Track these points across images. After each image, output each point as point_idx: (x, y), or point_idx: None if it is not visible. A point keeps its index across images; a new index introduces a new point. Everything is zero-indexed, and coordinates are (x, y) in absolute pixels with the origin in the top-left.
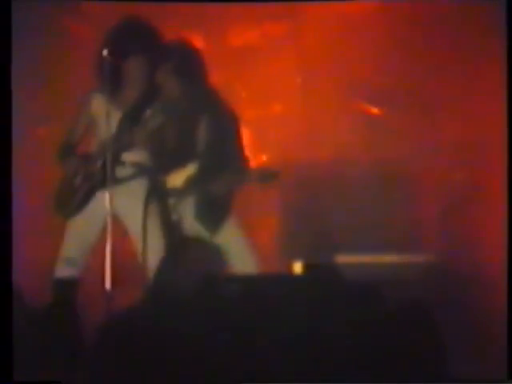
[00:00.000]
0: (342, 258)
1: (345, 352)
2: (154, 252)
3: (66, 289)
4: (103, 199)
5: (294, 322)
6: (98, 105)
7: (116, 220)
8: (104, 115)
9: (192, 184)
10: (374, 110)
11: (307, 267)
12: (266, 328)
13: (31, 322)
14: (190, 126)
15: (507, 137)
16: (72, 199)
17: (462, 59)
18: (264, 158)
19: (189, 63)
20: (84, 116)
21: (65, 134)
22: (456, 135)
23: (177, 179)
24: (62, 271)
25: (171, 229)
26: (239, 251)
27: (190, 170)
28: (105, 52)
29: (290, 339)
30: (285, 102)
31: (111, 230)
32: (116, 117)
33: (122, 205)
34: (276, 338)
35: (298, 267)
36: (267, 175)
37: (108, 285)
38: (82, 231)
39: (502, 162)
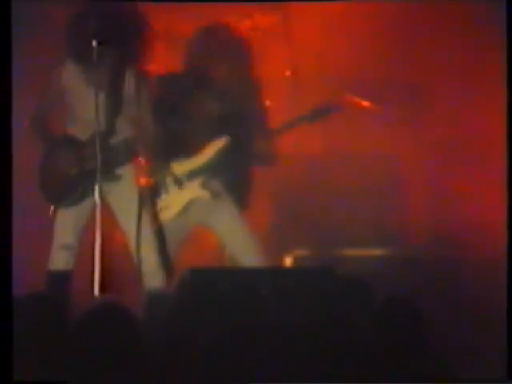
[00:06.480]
0: (332, 251)
1: (335, 345)
2: (145, 245)
3: (61, 278)
4: (92, 185)
5: (284, 314)
6: (70, 78)
7: (106, 209)
8: (80, 94)
9: (221, 161)
10: (364, 104)
11: (297, 260)
12: (256, 321)
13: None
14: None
15: (506, 135)
16: (62, 186)
17: (458, 56)
18: None
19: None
20: (54, 88)
21: (34, 107)
22: (449, 131)
23: (202, 157)
24: (58, 258)
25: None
26: (243, 244)
27: (219, 143)
28: (94, 43)
29: (281, 331)
30: (274, 95)
31: (100, 220)
32: (93, 96)
33: (112, 193)
34: (266, 330)
35: (288, 260)
36: (322, 110)
37: (97, 277)
38: (73, 216)
39: (496, 159)
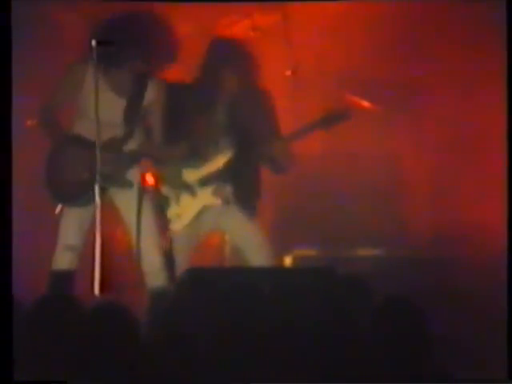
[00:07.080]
0: (332, 251)
1: (335, 344)
2: (147, 245)
3: (64, 278)
4: (103, 188)
5: (284, 313)
6: (89, 81)
7: (112, 209)
8: (95, 94)
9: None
10: (364, 105)
11: (297, 260)
12: (256, 320)
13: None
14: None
15: (507, 135)
16: (73, 187)
17: (458, 56)
18: None
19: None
20: (69, 84)
21: (46, 98)
22: (449, 131)
23: (214, 165)
24: (62, 259)
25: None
26: (255, 245)
27: (229, 150)
28: (93, 42)
29: (281, 331)
30: (274, 95)
31: (100, 220)
32: (110, 99)
33: (118, 194)
34: (266, 330)
35: (288, 260)
36: (334, 117)
37: (97, 277)
38: (78, 217)
39: (496, 159)
